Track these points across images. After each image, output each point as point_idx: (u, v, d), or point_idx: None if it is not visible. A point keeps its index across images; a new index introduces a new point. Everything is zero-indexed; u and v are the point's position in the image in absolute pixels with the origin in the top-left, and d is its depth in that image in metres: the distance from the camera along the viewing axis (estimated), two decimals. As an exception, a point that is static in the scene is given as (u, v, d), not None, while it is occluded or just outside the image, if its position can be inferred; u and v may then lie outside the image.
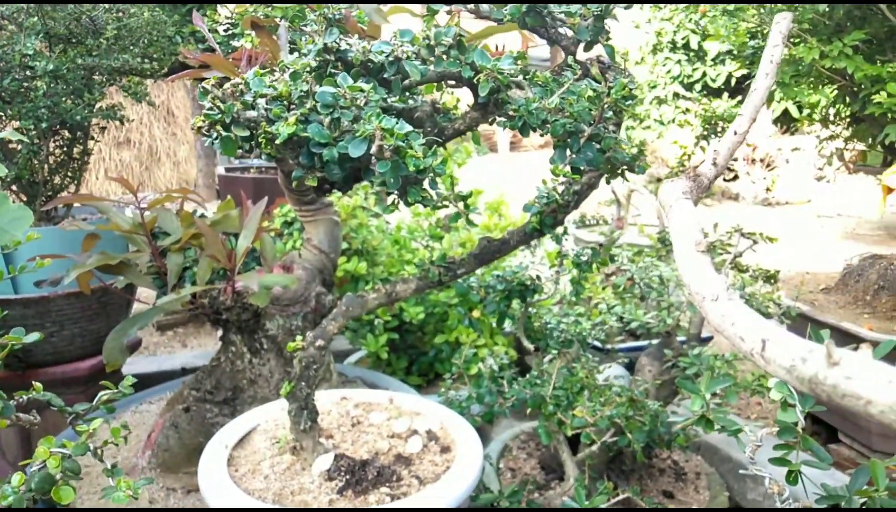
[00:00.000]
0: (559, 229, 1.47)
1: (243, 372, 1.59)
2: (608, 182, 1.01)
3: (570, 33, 0.96)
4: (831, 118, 2.60)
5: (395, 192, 0.77)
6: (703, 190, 0.46)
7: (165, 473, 1.51)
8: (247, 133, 0.75)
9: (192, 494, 1.41)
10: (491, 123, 1.00)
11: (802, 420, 1.01)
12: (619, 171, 0.97)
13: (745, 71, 2.84)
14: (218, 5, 2.52)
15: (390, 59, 0.87)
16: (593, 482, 1.48)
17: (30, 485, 0.72)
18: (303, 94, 0.75)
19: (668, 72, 6.68)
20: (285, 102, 0.76)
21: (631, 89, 0.94)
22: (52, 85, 1.78)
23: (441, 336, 2.16)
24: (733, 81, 6.66)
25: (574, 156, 0.88)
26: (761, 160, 7.06)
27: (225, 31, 2.62)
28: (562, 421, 1.27)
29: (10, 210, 0.96)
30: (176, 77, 1.75)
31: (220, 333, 1.66)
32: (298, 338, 1.03)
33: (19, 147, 1.90)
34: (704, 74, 6.76)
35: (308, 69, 0.82)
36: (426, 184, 0.81)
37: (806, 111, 2.62)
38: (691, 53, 6.53)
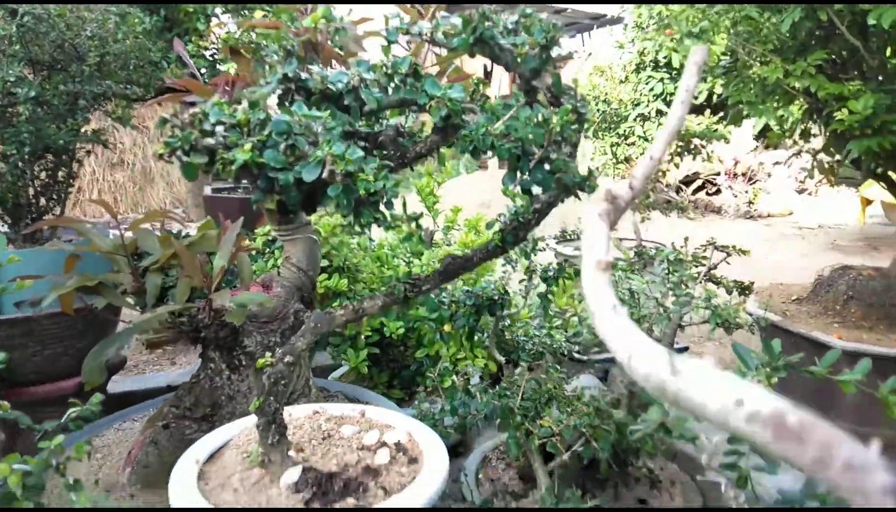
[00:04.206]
0: (528, 245, 1.52)
1: (222, 388, 1.62)
2: (562, 201, 1.06)
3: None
4: (799, 134, 2.68)
5: (349, 213, 0.81)
6: (621, 212, 0.50)
7: (146, 489, 1.53)
8: (206, 159, 0.80)
9: (171, 510, 1.43)
10: (449, 147, 1.05)
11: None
12: (572, 191, 1.02)
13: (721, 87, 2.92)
14: (209, 30, 2.58)
15: (348, 87, 0.92)
16: (567, 491, 1.51)
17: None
18: (259, 121, 0.80)
19: (651, 90, 6.80)
20: (243, 130, 0.80)
21: (582, 115, 0.99)
22: (35, 110, 1.83)
23: (422, 349, 2.20)
24: (714, 98, 6.77)
25: (524, 177, 0.93)
26: (743, 174, 7.16)
27: (211, 56, 2.68)
28: (530, 431, 1.30)
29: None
30: (154, 100, 1.81)
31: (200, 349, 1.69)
32: (268, 355, 1.06)
33: (4, 171, 1.94)
34: (687, 90, 6.85)
35: (267, 98, 0.87)
36: (382, 206, 0.86)
37: (775, 124, 2.70)
38: (673, 71, 6.65)
